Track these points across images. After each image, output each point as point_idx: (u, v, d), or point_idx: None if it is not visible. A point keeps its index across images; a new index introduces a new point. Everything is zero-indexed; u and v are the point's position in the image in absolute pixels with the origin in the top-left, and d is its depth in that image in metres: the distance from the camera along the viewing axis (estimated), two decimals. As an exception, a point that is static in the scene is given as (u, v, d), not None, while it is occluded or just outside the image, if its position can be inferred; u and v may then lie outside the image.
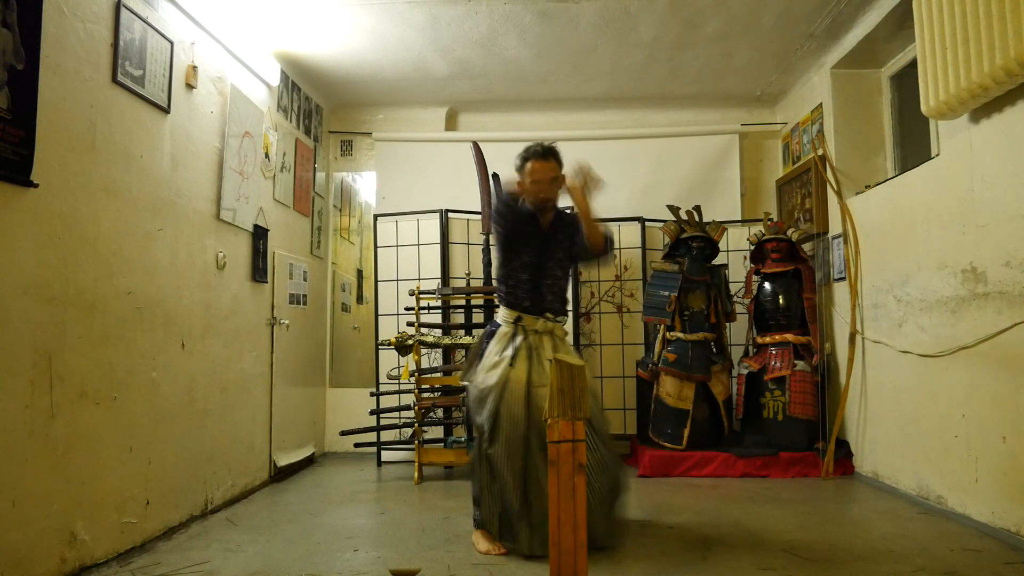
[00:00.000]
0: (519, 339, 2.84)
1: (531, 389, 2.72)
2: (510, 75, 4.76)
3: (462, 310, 4.70)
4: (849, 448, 4.18)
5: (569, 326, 4.64)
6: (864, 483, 3.95)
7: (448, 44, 4.27)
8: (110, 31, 2.68)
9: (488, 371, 2.80)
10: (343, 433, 4.49)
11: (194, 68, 3.27)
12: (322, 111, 5.20)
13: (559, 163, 2.93)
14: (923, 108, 3.12)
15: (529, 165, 2.88)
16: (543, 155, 2.88)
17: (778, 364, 4.31)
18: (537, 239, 2.94)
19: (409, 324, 4.35)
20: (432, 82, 4.88)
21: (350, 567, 2.54)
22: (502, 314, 2.95)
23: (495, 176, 2.91)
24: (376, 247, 4.96)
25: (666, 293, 4.39)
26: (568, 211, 3.03)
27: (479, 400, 2.80)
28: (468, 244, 4.84)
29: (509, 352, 2.80)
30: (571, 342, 4.65)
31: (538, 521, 2.60)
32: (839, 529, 3.04)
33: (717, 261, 4.66)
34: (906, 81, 4.15)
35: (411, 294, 4.45)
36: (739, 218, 5.11)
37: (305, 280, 4.73)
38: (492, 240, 2.95)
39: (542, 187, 2.88)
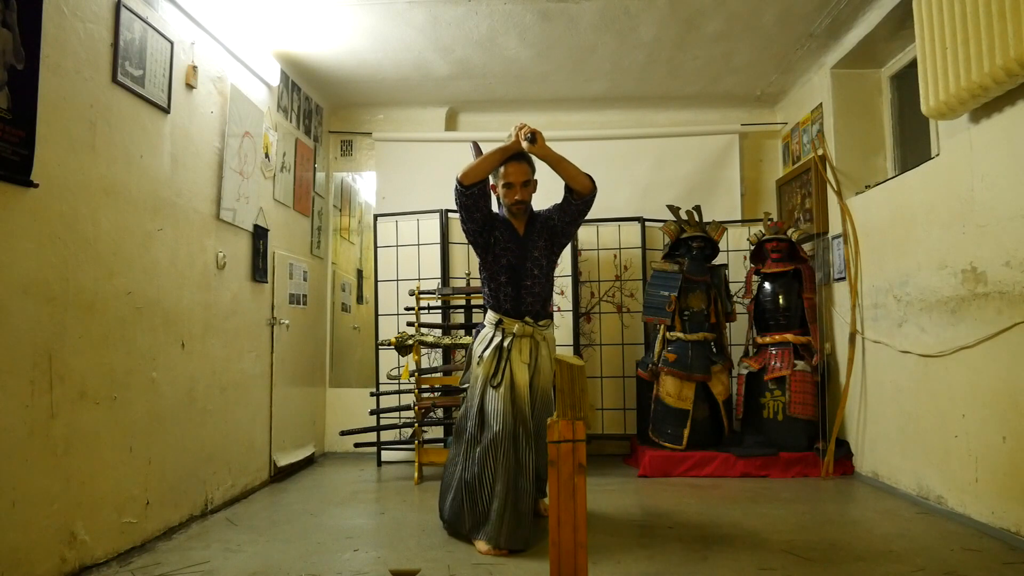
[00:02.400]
0: (496, 340, 2.91)
1: (487, 389, 2.85)
2: (510, 75, 4.77)
3: (462, 310, 4.70)
4: (849, 448, 4.18)
5: (569, 326, 4.68)
6: (864, 483, 3.95)
7: (448, 44, 4.27)
8: (110, 31, 2.68)
9: (472, 373, 2.95)
10: (343, 433, 4.49)
11: (194, 68, 3.27)
12: (322, 111, 5.21)
13: (532, 166, 2.96)
14: (923, 108, 3.12)
15: (502, 168, 2.92)
16: (516, 157, 2.90)
17: (778, 364, 4.31)
18: (514, 243, 2.98)
19: (409, 324, 4.35)
20: (432, 82, 4.88)
21: (350, 567, 2.54)
22: (487, 316, 3.04)
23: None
24: (376, 247, 4.96)
25: (666, 293, 4.39)
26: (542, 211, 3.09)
27: (465, 400, 2.96)
28: (468, 244, 4.83)
29: (487, 354, 2.90)
30: (570, 340, 4.68)
31: (522, 514, 2.72)
32: (839, 529, 3.04)
33: (717, 261, 4.66)
34: (906, 81, 4.15)
35: (411, 294, 4.45)
36: (739, 218, 5.12)
37: (305, 280, 4.73)
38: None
39: (515, 190, 2.93)
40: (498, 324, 2.97)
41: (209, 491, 3.37)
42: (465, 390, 3.09)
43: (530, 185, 2.99)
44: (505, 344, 2.90)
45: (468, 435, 2.88)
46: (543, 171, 3.06)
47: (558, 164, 2.85)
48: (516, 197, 2.95)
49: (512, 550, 2.70)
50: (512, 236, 3.01)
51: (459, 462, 2.90)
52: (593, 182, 2.94)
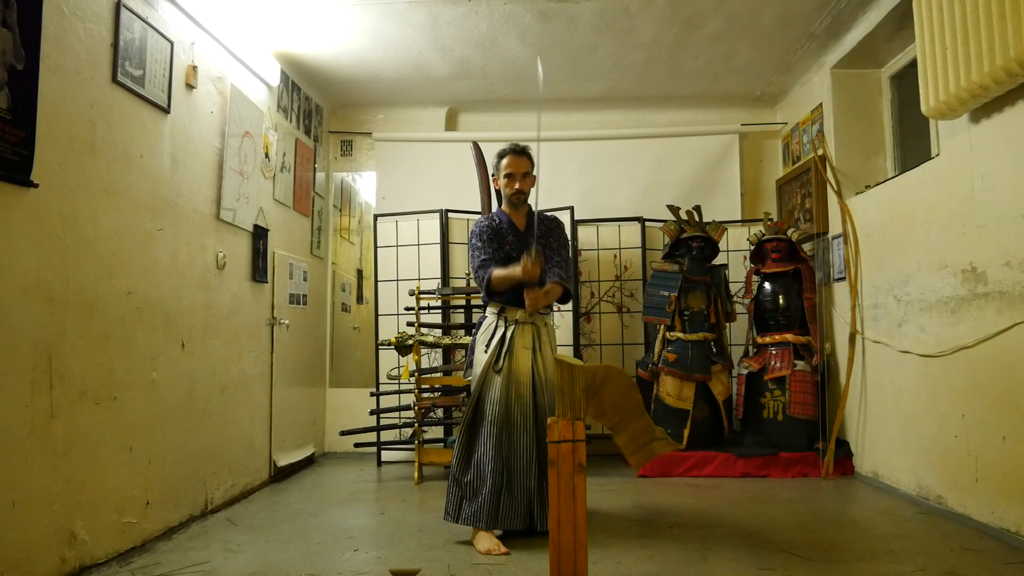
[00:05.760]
0: (501, 330, 3.04)
1: (488, 375, 2.97)
2: (510, 75, 4.76)
3: (462, 310, 4.69)
4: (849, 448, 4.17)
5: (569, 326, 4.68)
6: (864, 483, 3.95)
7: (448, 44, 4.27)
8: (110, 31, 2.68)
9: (476, 363, 3.06)
10: (343, 433, 4.49)
11: (194, 68, 3.27)
12: (322, 111, 5.20)
13: (531, 161, 3.17)
14: (923, 108, 3.12)
15: (504, 161, 3.14)
16: (517, 152, 3.13)
17: (778, 364, 4.31)
18: (514, 236, 3.15)
19: (409, 324, 4.35)
20: (432, 82, 4.88)
21: (350, 567, 2.54)
22: (488, 308, 3.15)
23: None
24: (376, 247, 4.96)
25: (666, 293, 4.39)
26: (543, 213, 3.25)
27: (471, 389, 3.06)
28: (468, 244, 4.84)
29: (494, 341, 3.01)
30: (570, 340, 4.68)
31: (515, 495, 2.86)
32: (839, 529, 3.04)
33: (717, 261, 4.66)
34: (906, 81, 4.15)
35: (411, 294, 4.45)
36: (739, 218, 5.11)
37: (305, 280, 4.73)
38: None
39: (515, 180, 3.13)
40: (500, 313, 3.07)
41: (209, 491, 3.37)
42: (467, 388, 3.14)
43: (529, 177, 3.16)
44: (508, 334, 3.01)
45: (466, 424, 2.98)
46: (542, 172, 3.18)
47: (548, 298, 3.05)
48: (516, 187, 3.13)
49: (507, 533, 2.80)
50: (513, 231, 3.16)
51: (456, 452, 2.97)
52: (566, 297, 3.16)
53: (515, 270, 2.90)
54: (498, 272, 2.97)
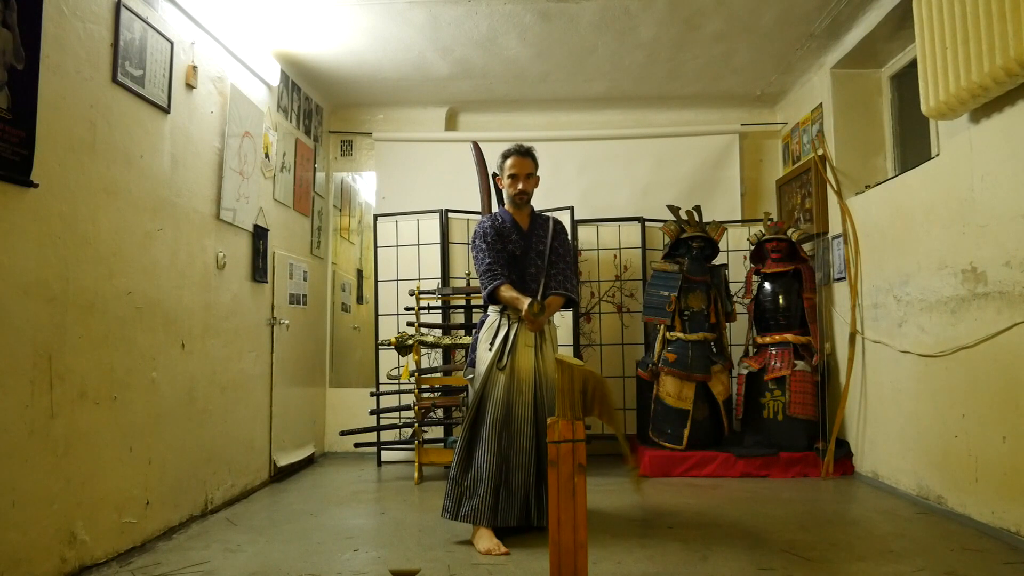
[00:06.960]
0: (504, 328, 3.06)
1: (492, 373, 3.00)
2: (510, 75, 4.77)
3: (462, 310, 4.70)
4: (849, 448, 4.17)
5: (569, 326, 4.68)
6: (864, 483, 3.95)
7: (448, 44, 4.27)
8: (110, 31, 2.68)
9: (479, 360, 3.09)
10: (343, 433, 4.49)
11: (194, 68, 3.27)
12: (322, 111, 5.20)
13: (535, 162, 3.23)
14: (923, 108, 3.12)
15: (508, 161, 3.19)
16: (521, 153, 3.19)
17: (778, 364, 4.31)
18: (518, 234, 3.19)
19: (409, 324, 4.35)
20: (432, 82, 4.88)
21: (350, 567, 2.54)
22: (491, 307, 3.17)
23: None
24: (376, 247, 4.96)
25: (666, 293, 4.39)
26: (544, 213, 3.32)
27: (473, 386, 3.09)
28: (468, 244, 4.84)
29: (498, 339, 3.04)
30: (570, 340, 4.68)
31: (513, 491, 2.89)
32: (839, 529, 3.04)
33: (717, 261, 4.66)
34: (906, 81, 4.15)
35: (411, 294, 4.45)
36: (739, 218, 5.12)
37: (305, 280, 4.73)
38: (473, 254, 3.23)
39: (519, 180, 3.18)
40: (503, 311, 3.09)
41: (209, 491, 3.37)
42: (467, 388, 3.15)
43: (532, 178, 3.21)
44: (512, 332, 3.03)
45: (468, 424, 2.99)
46: (543, 172, 3.28)
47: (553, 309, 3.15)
48: (519, 187, 3.17)
49: (505, 531, 2.83)
50: (516, 230, 3.20)
51: (458, 449, 2.99)
52: (569, 304, 3.25)
53: (521, 302, 2.94)
54: (505, 294, 3.01)
